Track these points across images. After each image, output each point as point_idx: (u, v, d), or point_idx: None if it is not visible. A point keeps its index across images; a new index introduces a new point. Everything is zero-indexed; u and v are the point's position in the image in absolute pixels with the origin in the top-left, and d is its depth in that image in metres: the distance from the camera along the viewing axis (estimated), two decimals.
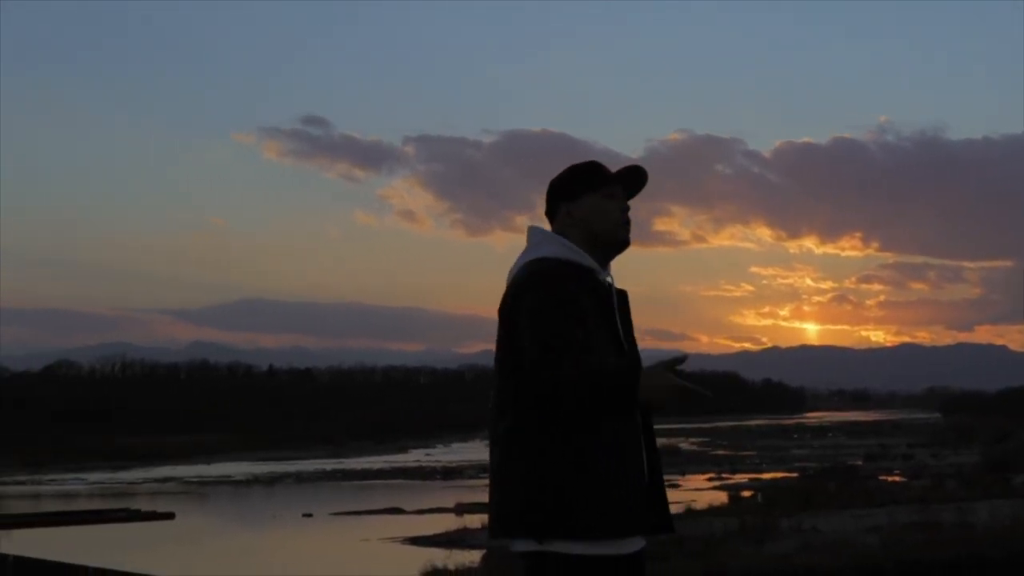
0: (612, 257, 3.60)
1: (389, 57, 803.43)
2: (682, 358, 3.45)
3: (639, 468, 3.39)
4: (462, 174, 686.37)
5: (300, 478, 55.55)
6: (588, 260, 3.51)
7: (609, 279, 3.58)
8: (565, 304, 3.36)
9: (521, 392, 3.33)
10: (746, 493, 38.77)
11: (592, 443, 3.31)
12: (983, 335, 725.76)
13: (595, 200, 3.59)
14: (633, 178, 3.66)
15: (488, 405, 3.45)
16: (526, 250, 3.59)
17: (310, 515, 36.53)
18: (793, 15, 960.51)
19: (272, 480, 54.98)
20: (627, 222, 3.60)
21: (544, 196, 3.68)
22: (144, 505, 40.24)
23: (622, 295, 3.59)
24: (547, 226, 3.66)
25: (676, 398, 3.32)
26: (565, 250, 3.51)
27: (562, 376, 3.24)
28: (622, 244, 3.60)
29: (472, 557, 23.53)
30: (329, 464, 65.51)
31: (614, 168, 3.68)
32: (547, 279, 3.41)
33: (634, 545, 3.37)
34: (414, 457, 72.73)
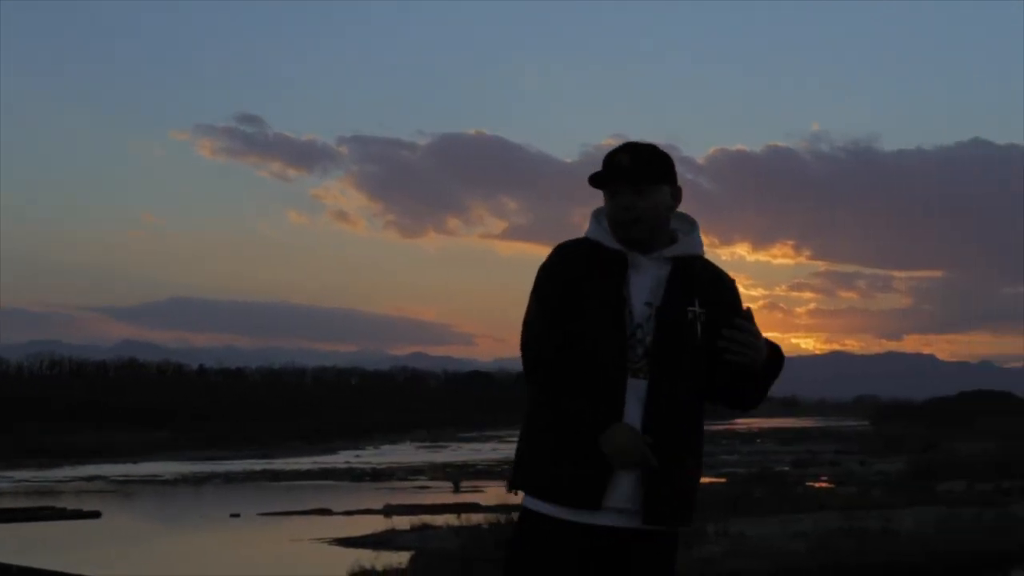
0: (652, 244, 3.64)
1: (325, 56, 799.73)
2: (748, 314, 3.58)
3: (590, 438, 3.48)
4: (396, 175, 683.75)
5: (228, 478, 55.20)
6: (612, 241, 3.62)
7: (648, 257, 3.62)
8: (539, 285, 3.67)
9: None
10: None
11: (553, 416, 3.55)
12: (912, 344, 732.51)
13: (605, 198, 3.69)
14: (635, 173, 3.63)
15: None
16: None
17: (238, 515, 36.28)
18: (727, 22, 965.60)
19: (200, 480, 54.59)
20: (625, 222, 3.61)
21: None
22: (70, 504, 39.84)
23: (681, 264, 3.64)
24: None
25: (618, 456, 3.45)
26: (593, 230, 3.69)
27: (539, 365, 3.59)
28: (626, 242, 3.62)
29: (400, 558, 23.49)
30: (258, 464, 65.12)
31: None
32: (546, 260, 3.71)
33: (592, 518, 3.49)
34: (344, 458, 72.40)
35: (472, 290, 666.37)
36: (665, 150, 3.72)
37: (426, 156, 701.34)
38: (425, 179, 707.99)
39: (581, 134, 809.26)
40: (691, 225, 3.76)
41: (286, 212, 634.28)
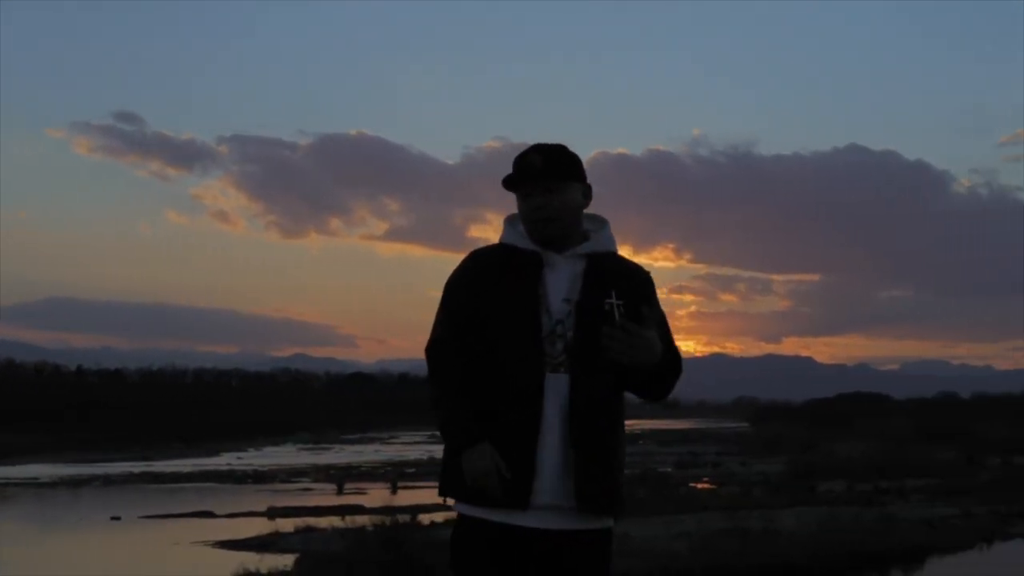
0: (565, 242, 3.70)
1: (205, 55, 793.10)
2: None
3: (516, 443, 3.52)
4: (277, 175, 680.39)
5: (108, 480, 54.51)
6: (527, 243, 3.70)
7: (562, 256, 3.68)
8: (447, 292, 3.75)
9: None
10: None
11: (452, 418, 3.63)
12: (790, 347, 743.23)
13: (518, 200, 3.76)
14: (547, 171, 3.69)
15: None
16: None
17: (119, 518, 35.87)
18: (610, 25, 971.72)
19: (79, 482, 53.82)
20: (539, 220, 3.68)
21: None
22: None
23: (596, 260, 3.70)
24: None
25: (472, 476, 3.53)
26: (507, 234, 3.77)
27: (437, 397, 3.67)
28: (541, 242, 3.70)
29: (285, 561, 23.35)
30: (138, 467, 64.35)
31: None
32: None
33: (523, 519, 3.53)
34: (225, 461, 71.78)
35: (354, 291, 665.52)
36: (574, 151, 3.78)
37: (307, 156, 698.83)
38: (306, 179, 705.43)
39: (463, 136, 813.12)
40: (601, 223, 3.81)
41: (165, 212, 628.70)
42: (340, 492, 44.22)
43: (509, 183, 3.75)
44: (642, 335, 3.51)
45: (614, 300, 3.60)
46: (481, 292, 3.64)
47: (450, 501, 3.71)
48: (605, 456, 3.60)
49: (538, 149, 3.72)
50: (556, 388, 3.54)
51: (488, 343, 3.60)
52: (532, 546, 3.54)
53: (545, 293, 3.61)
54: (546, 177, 3.66)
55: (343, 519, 29.96)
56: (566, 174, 3.70)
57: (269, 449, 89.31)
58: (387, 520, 24.38)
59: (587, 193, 3.79)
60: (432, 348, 3.70)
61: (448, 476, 3.65)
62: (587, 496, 3.54)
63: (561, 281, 3.63)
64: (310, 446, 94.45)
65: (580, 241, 3.73)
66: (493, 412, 3.55)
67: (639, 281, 3.74)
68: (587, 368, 3.56)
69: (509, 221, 3.80)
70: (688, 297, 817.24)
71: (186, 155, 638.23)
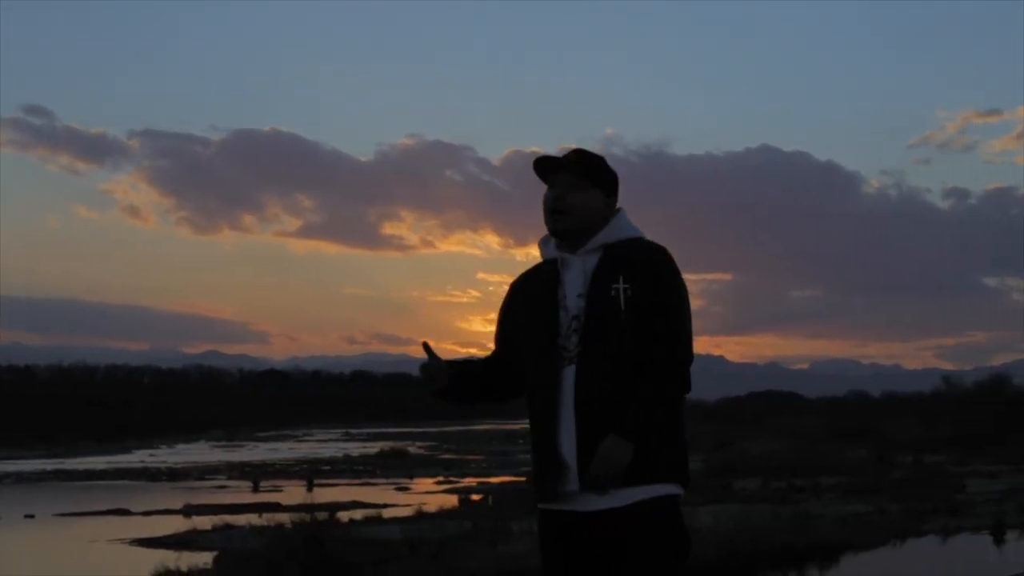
0: (571, 243, 3.95)
1: (116, 49, 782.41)
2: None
3: (544, 439, 3.81)
4: (189, 171, 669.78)
5: (20, 478, 54.03)
6: (551, 252, 4.00)
7: (575, 254, 3.92)
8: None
9: None
10: (476, 496, 39.10)
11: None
12: (703, 346, 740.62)
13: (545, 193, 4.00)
14: (567, 164, 3.94)
15: None
16: None
17: (32, 516, 35.57)
18: (524, 23, 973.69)
19: None
20: (552, 211, 3.93)
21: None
22: None
23: (609, 250, 3.91)
24: None
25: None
26: (541, 252, 4.08)
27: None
28: (553, 233, 3.97)
29: (204, 559, 23.28)
30: (50, 464, 63.82)
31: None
32: None
33: (559, 505, 3.83)
34: (138, 458, 71.37)
35: (267, 288, 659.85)
36: (613, 167, 4.08)
37: (220, 152, 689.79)
38: (219, 175, 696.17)
39: (377, 133, 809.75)
40: (615, 212, 4.04)
41: (75, 207, 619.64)
42: (256, 490, 44.10)
43: (540, 165, 3.99)
44: (607, 469, 3.69)
45: (620, 285, 3.77)
46: (511, 309, 4.04)
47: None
48: (614, 431, 3.70)
49: (578, 151, 3.98)
50: (569, 381, 3.75)
51: (520, 351, 3.92)
52: (577, 528, 3.78)
53: (563, 293, 3.84)
54: (571, 171, 3.91)
55: (260, 516, 29.82)
56: (591, 177, 3.95)
57: (182, 446, 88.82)
58: (307, 518, 24.34)
59: (609, 205, 4.03)
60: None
61: (532, 482, 3.99)
62: (590, 480, 3.71)
63: (576, 278, 3.85)
64: (223, 443, 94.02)
65: (588, 238, 3.94)
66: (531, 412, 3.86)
67: (653, 261, 3.90)
68: (593, 353, 3.73)
69: (543, 239, 4.07)
70: None
71: (96, 149, 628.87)
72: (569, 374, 3.74)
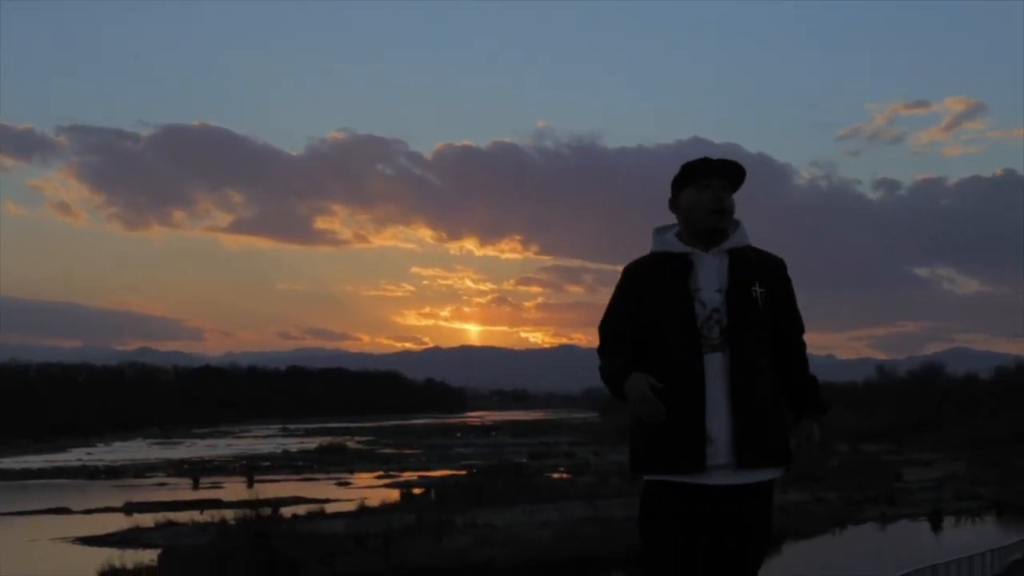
0: (714, 239, 4.32)
1: (43, 43, 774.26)
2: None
3: (687, 417, 4.15)
4: (119, 167, 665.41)
5: None
6: (679, 247, 4.35)
7: (708, 253, 4.29)
8: (614, 299, 4.39)
9: None
10: (417, 490, 39.10)
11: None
12: None
13: (690, 192, 4.36)
14: (729, 170, 4.36)
15: None
16: None
17: None
18: (455, 18, 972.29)
19: None
20: (716, 211, 4.31)
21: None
22: None
23: (736, 254, 4.32)
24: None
25: (635, 404, 4.09)
26: (657, 244, 4.41)
27: (601, 363, 4.36)
28: (712, 230, 4.32)
29: (149, 556, 23.30)
30: None
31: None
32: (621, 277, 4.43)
33: (700, 479, 4.15)
34: (75, 456, 70.95)
35: (200, 284, 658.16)
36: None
37: (149, 147, 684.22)
38: (149, 171, 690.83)
39: (307, 127, 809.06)
40: (736, 223, 4.42)
41: (3, 203, 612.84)
42: (196, 486, 43.96)
43: (692, 167, 4.39)
44: (815, 449, 4.26)
45: (758, 288, 4.27)
46: (640, 295, 4.30)
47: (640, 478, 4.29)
48: (762, 419, 4.22)
49: (722, 158, 4.38)
50: (715, 365, 4.19)
51: (654, 336, 4.24)
52: (706, 500, 4.17)
53: (698, 286, 4.25)
54: (729, 176, 4.35)
55: (203, 514, 29.83)
56: (739, 183, 4.41)
57: (118, 444, 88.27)
58: (250, 514, 24.37)
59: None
60: (603, 325, 4.41)
61: (637, 454, 4.27)
62: (747, 456, 4.17)
63: (711, 274, 4.28)
64: (161, 440, 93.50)
65: (722, 240, 4.34)
66: (666, 392, 4.08)
67: (775, 268, 4.39)
68: (742, 344, 4.22)
69: (657, 231, 4.46)
70: (535, 289, 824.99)
71: (24, 145, 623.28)
72: (714, 360, 4.19)
